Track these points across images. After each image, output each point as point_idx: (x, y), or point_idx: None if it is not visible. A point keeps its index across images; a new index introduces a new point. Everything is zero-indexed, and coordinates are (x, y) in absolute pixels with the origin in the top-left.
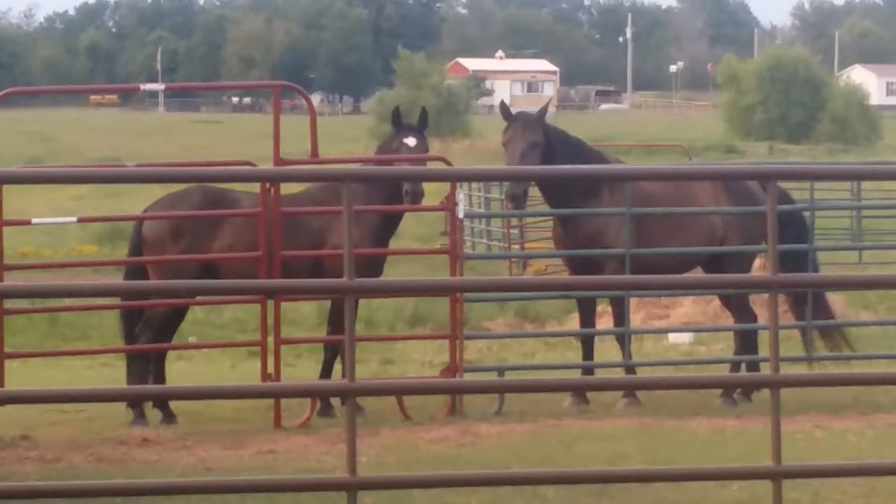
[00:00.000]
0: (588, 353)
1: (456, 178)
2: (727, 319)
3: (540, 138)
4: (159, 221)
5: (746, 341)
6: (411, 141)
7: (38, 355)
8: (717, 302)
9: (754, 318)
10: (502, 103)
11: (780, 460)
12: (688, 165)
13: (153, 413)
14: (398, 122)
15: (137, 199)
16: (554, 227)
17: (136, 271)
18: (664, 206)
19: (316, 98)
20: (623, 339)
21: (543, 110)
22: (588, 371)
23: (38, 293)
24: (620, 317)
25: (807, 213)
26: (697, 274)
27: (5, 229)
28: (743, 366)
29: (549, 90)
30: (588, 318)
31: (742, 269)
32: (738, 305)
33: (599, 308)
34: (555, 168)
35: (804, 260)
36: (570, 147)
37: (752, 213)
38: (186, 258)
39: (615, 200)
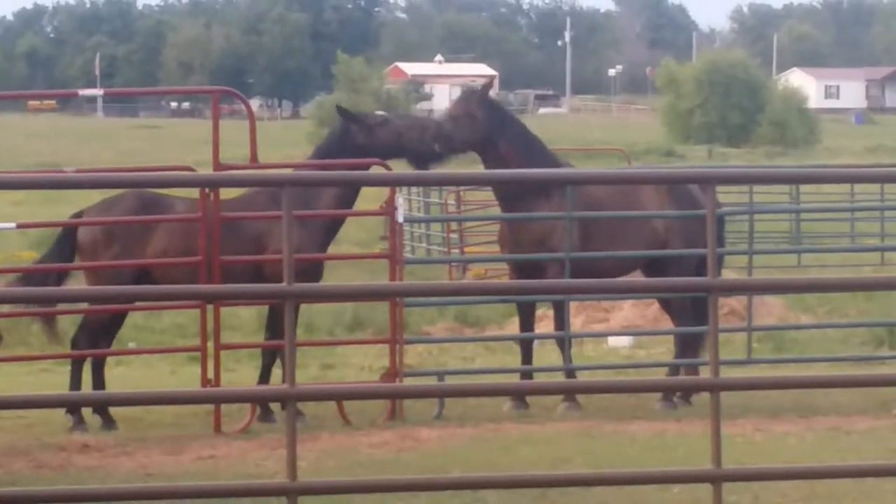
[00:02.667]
0: (527, 356)
1: (394, 183)
2: (667, 323)
3: (475, 111)
4: (93, 226)
5: (686, 345)
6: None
7: None
8: (656, 305)
9: (694, 322)
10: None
11: (720, 463)
12: (631, 169)
13: (93, 419)
14: (349, 116)
15: (76, 205)
16: (500, 227)
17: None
18: (610, 210)
19: (255, 103)
20: (563, 343)
21: (487, 86)
22: (527, 375)
23: None
24: (560, 320)
25: (746, 217)
26: (637, 277)
27: None
28: (682, 369)
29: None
30: (527, 321)
31: (683, 273)
32: (677, 309)
33: (539, 311)
34: (488, 172)
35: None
36: (522, 139)
37: (692, 217)
38: (122, 263)
39: (563, 204)
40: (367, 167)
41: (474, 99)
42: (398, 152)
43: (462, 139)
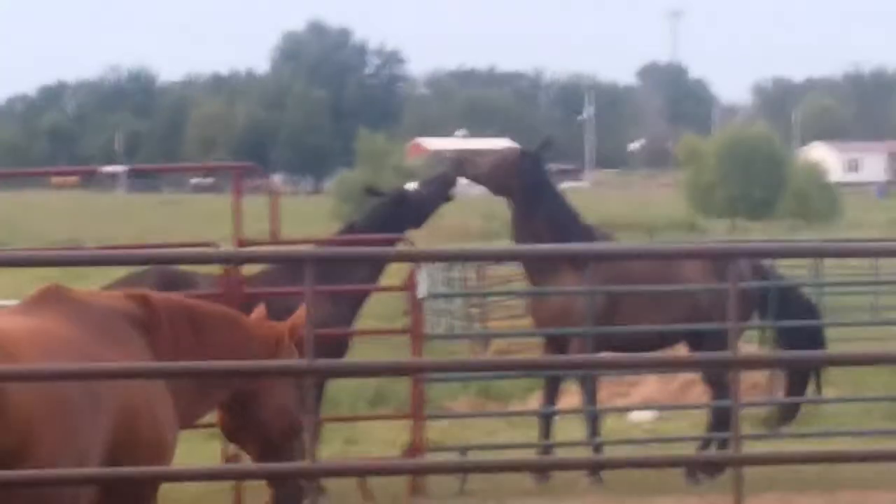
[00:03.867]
0: (546, 430)
1: (417, 259)
2: (690, 397)
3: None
4: None
5: (719, 419)
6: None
7: None
8: (679, 380)
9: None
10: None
11: None
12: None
13: None
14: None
15: (99, 282)
16: (528, 301)
17: None
18: (647, 283)
19: (277, 178)
20: (589, 417)
21: (544, 145)
22: (548, 449)
23: (7, 377)
24: (587, 395)
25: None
26: (672, 352)
27: None
28: (714, 443)
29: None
30: (551, 395)
31: (724, 347)
32: (715, 383)
33: (563, 385)
34: (513, 249)
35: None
36: (557, 208)
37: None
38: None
39: (586, 276)
40: (391, 243)
41: (518, 154)
42: (432, 211)
43: (499, 172)
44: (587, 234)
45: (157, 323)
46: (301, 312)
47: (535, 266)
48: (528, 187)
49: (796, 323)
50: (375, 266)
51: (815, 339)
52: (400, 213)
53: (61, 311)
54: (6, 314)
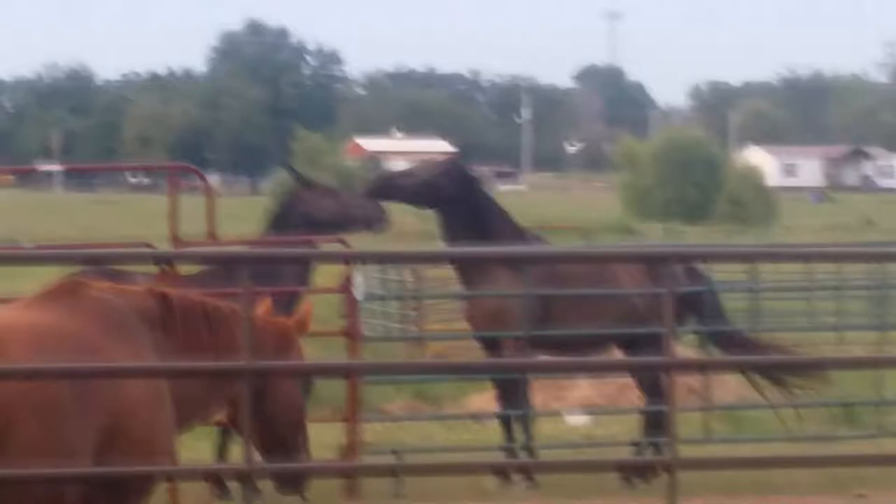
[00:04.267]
0: (508, 432)
1: (352, 259)
2: (626, 401)
3: (436, 179)
4: None
5: (652, 423)
6: None
7: None
8: (615, 383)
9: (664, 401)
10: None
11: None
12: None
13: None
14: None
15: (34, 280)
16: (463, 303)
17: None
18: (582, 285)
19: (214, 178)
20: (523, 421)
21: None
22: (511, 451)
23: None
24: (518, 398)
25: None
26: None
27: None
28: (648, 448)
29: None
30: (505, 396)
31: (658, 351)
32: (648, 386)
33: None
34: (448, 251)
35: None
36: (487, 213)
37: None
38: None
39: (520, 278)
40: (312, 244)
41: (449, 178)
42: (342, 223)
43: (423, 190)
44: (518, 236)
45: (171, 320)
46: (308, 307)
47: (468, 268)
48: (456, 197)
49: (730, 328)
50: (305, 266)
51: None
52: (287, 214)
53: (70, 306)
54: (13, 307)
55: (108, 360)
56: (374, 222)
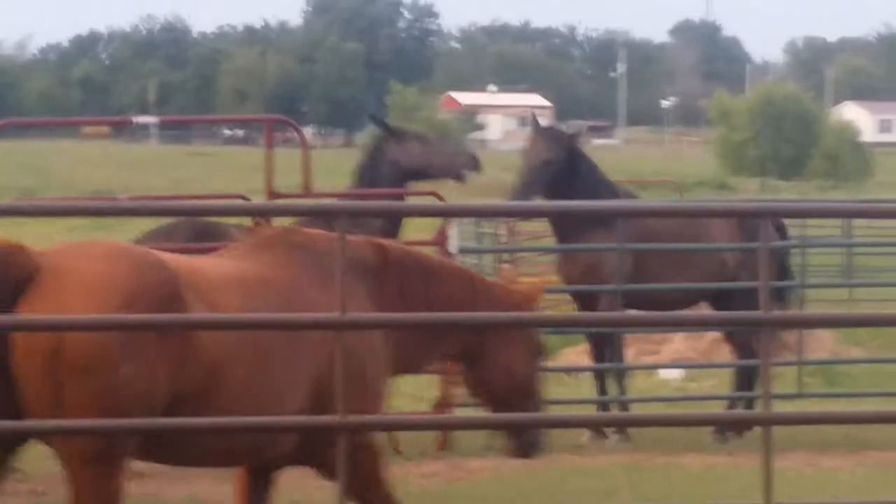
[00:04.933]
0: (601, 386)
1: (448, 214)
2: (718, 356)
3: (556, 156)
4: None
5: (745, 378)
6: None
7: None
8: (708, 338)
9: (755, 356)
10: (534, 117)
11: (770, 498)
12: (682, 201)
13: None
14: (383, 125)
15: (128, 232)
16: (557, 258)
17: None
18: (672, 241)
19: (308, 131)
20: (617, 375)
21: (578, 133)
22: (603, 405)
23: (38, 326)
24: (613, 353)
25: (798, 250)
26: (698, 310)
27: None
28: (740, 403)
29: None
30: (598, 350)
31: (751, 307)
32: (739, 343)
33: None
34: (541, 204)
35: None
36: (590, 175)
37: (771, 251)
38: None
39: (609, 235)
40: (401, 197)
41: (555, 146)
42: (432, 171)
43: (549, 184)
44: (612, 192)
45: (386, 271)
46: (542, 281)
47: (563, 224)
48: (561, 166)
49: (826, 283)
50: (392, 219)
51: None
52: (376, 165)
53: (279, 255)
54: (220, 257)
55: (314, 310)
56: (464, 169)
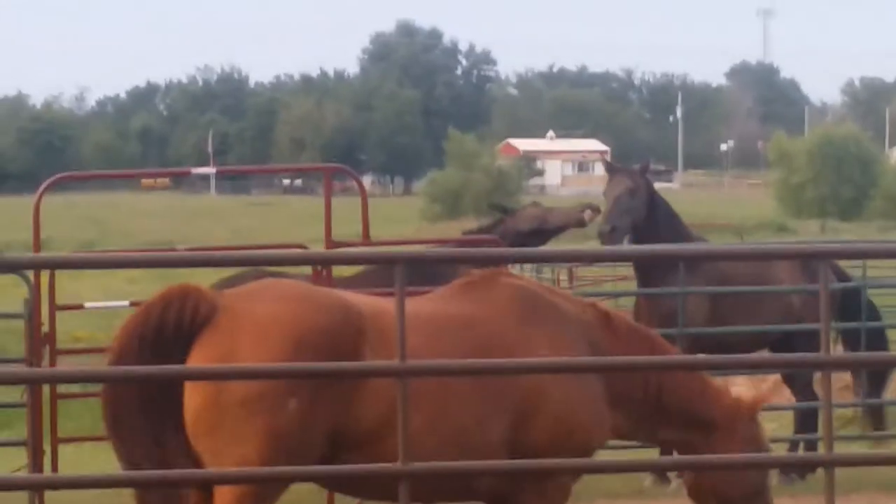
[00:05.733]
0: None
1: (511, 260)
2: (781, 398)
3: (637, 187)
4: None
5: (806, 420)
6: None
7: (92, 439)
8: (770, 381)
9: (815, 398)
10: (604, 159)
11: None
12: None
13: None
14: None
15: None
16: (636, 303)
17: None
18: (742, 286)
19: (367, 179)
20: None
21: (645, 166)
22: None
23: (92, 378)
24: None
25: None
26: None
27: (59, 314)
28: (801, 444)
29: (600, 170)
30: None
31: (814, 349)
32: (801, 385)
33: None
34: (599, 250)
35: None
36: (669, 216)
37: (835, 293)
38: None
39: (690, 279)
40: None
41: (635, 178)
42: (545, 227)
43: (637, 213)
44: (688, 237)
45: (610, 336)
46: (767, 394)
47: (646, 267)
48: (644, 202)
49: (882, 325)
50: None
51: (878, 339)
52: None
53: (485, 296)
54: (423, 299)
55: (514, 349)
56: (578, 224)
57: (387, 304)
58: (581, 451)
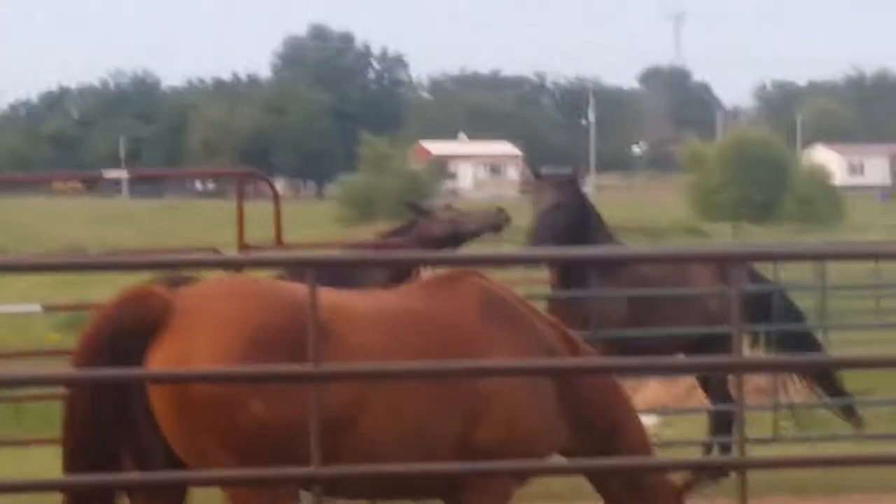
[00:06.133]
0: None
1: (428, 263)
2: (694, 401)
3: (565, 199)
4: None
5: (720, 423)
6: None
7: (4, 444)
8: (683, 384)
9: (730, 401)
10: (524, 164)
11: None
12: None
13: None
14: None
15: (101, 287)
16: (550, 306)
17: None
18: (660, 289)
19: (279, 183)
20: None
21: (574, 172)
22: None
23: (3, 382)
24: None
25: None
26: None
27: None
28: (714, 447)
29: (513, 173)
30: None
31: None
32: (715, 388)
33: None
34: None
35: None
36: (601, 223)
37: (749, 295)
38: None
39: (608, 282)
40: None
41: (564, 188)
42: (458, 231)
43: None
44: (611, 240)
45: (569, 352)
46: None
47: (566, 271)
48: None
49: (798, 327)
50: (396, 272)
51: (806, 341)
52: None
53: (451, 293)
54: (386, 294)
55: (478, 346)
56: (494, 229)
57: (348, 299)
58: (528, 456)
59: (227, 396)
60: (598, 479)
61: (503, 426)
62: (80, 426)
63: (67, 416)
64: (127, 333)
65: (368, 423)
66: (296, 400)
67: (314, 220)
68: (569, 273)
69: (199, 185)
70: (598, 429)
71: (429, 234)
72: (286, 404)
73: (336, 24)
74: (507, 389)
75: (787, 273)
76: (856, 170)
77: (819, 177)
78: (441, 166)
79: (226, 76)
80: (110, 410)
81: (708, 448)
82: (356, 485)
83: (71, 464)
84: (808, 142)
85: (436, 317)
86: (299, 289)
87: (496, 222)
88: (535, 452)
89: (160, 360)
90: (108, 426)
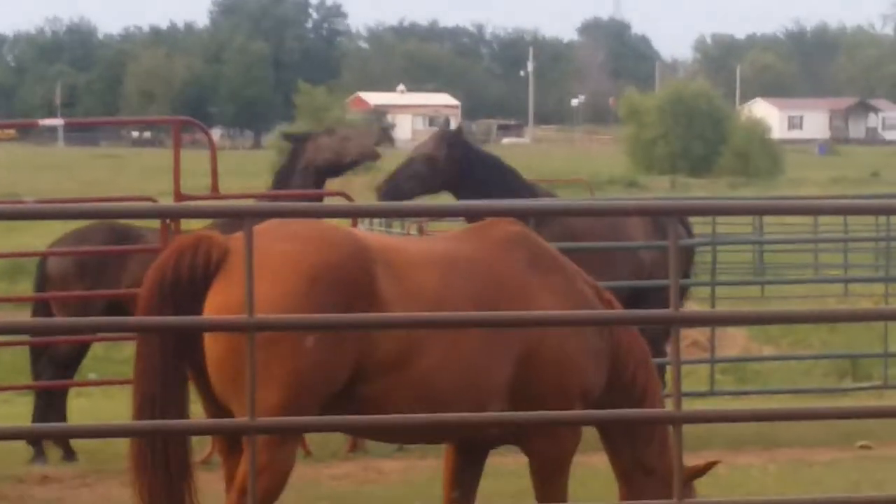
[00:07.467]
0: None
1: (356, 214)
2: None
3: (436, 155)
4: (64, 258)
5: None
6: None
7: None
8: None
9: (663, 356)
10: (446, 119)
11: (682, 496)
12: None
13: (54, 451)
14: (296, 138)
15: (36, 235)
16: None
17: (42, 308)
18: (592, 242)
19: (216, 133)
20: None
21: (458, 130)
22: None
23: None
24: None
25: (709, 248)
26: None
27: None
28: None
29: (452, 124)
30: None
31: (665, 306)
32: (650, 342)
33: None
34: (452, 205)
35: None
36: (498, 173)
37: (681, 249)
38: (92, 294)
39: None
40: (321, 198)
41: (443, 141)
42: (343, 162)
43: (432, 180)
44: (529, 192)
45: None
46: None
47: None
48: (464, 172)
49: (738, 281)
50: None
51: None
52: (290, 166)
53: (488, 238)
54: (434, 239)
55: (525, 291)
56: (374, 147)
57: (401, 242)
58: (577, 394)
59: (285, 336)
60: (614, 454)
61: (554, 367)
62: (150, 375)
63: (138, 367)
64: (188, 280)
65: (423, 364)
66: (346, 336)
67: (251, 170)
68: None
69: (135, 133)
70: (631, 396)
71: (314, 166)
72: (339, 341)
73: None
74: (556, 332)
75: (724, 227)
76: (795, 124)
77: (757, 130)
78: (379, 117)
79: (163, 24)
80: (179, 358)
81: None
82: (415, 429)
83: (141, 413)
84: (748, 96)
85: (486, 261)
86: (355, 231)
87: (374, 151)
88: (586, 396)
89: (219, 304)
90: (177, 373)
